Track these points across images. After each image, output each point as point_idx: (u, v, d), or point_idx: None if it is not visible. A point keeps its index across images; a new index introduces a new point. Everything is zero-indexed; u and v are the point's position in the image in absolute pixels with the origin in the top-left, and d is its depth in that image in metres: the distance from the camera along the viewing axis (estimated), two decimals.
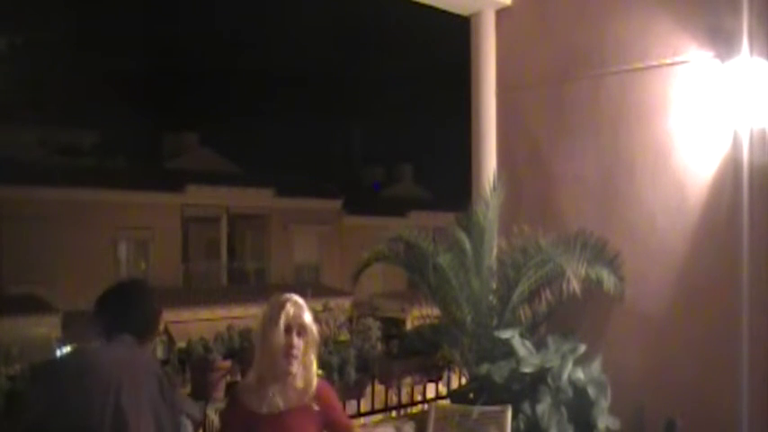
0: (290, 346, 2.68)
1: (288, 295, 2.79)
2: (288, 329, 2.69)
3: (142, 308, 2.74)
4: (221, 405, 3.42)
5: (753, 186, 3.95)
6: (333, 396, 2.92)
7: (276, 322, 2.68)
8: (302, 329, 2.71)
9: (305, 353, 2.72)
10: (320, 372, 2.99)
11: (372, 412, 4.52)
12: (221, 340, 3.82)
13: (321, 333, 4.07)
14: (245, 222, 24.42)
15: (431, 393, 4.89)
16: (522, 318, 4.39)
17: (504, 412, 3.89)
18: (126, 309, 2.69)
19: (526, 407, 3.94)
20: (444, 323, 4.55)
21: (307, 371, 2.75)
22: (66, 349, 13.68)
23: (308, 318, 2.74)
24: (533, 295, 4.39)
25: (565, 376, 3.99)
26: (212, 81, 28.05)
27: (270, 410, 2.70)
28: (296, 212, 24.33)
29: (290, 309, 2.71)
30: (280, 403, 2.71)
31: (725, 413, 3.98)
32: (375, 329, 4.37)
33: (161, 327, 2.85)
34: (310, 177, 25.58)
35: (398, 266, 4.77)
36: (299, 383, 2.73)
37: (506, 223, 4.54)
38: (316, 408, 2.76)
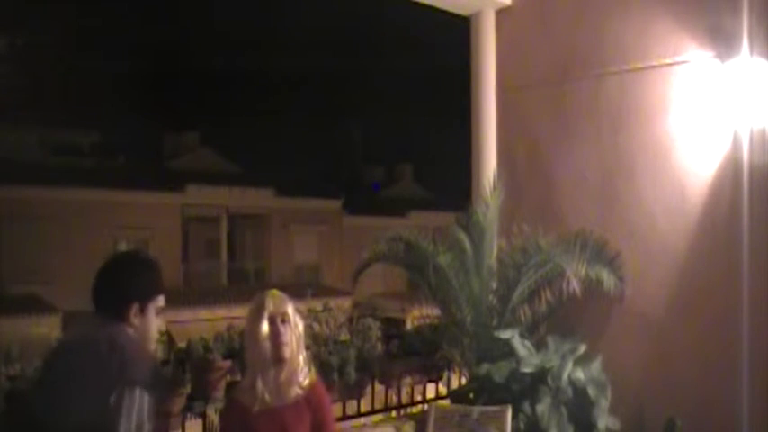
0: (276, 334, 2.80)
1: (264, 292, 2.91)
2: (272, 320, 2.80)
3: (105, 286, 2.50)
4: (221, 405, 3.44)
5: (753, 186, 3.95)
6: (326, 399, 2.95)
7: (260, 316, 2.81)
8: (286, 318, 2.83)
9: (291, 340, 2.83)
10: (313, 377, 3.02)
11: (372, 412, 4.52)
12: (221, 340, 3.82)
13: (321, 333, 4.10)
14: (245, 222, 24.42)
15: (431, 393, 4.89)
16: (522, 318, 4.39)
17: (504, 412, 3.89)
18: (95, 288, 2.50)
19: (526, 407, 3.94)
20: (444, 323, 4.55)
21: (294, 358, 2.83)
22: None
23: (289, 307, 2.86)
24: (533, 295, 4.39)
25: (565, 376, 3.99)
26: (212, 81, 28.05)
27: (263, 407, 2.76)
28: (296, 212, 24.34)
29: (269, 302, 2.84)
30: (273, 399, 2.77)
31: (725, 413, 3.98)
32: (375, 329, 4.36)
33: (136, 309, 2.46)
34: (310, 177, 25.59)
35: (398, 266, 4.77)
36: (289, 372, 2.79)
37: (506, 223, 4.54)
38: (307, 402, 2.81)
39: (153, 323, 2.52)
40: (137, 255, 2.73)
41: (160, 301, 2.55)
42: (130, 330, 2.44)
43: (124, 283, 2.51)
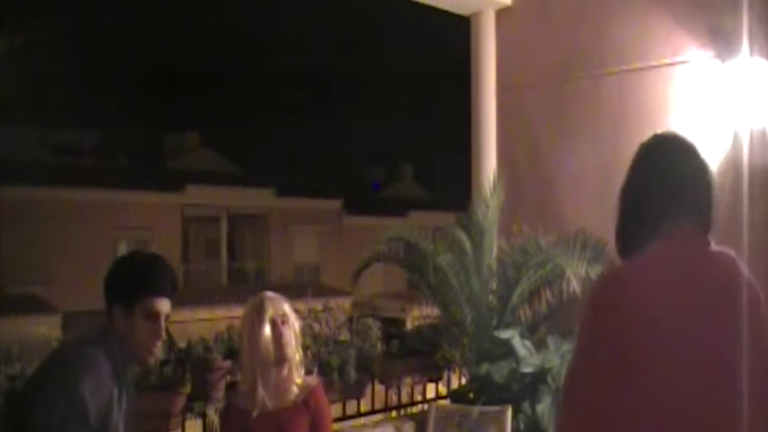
0: (279, 335, 2.81)
1: (262, 294, 2.90)
2: (273, 323, 2.81)
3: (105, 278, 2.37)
4: (221, 405, 3.44)
5: (753, 186, 3.94)
6: (325, 402, 2.96)
7: (261, 320, 2.81)
8: (285, 318, 2.85)
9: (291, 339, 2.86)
10: (314, 380, 3.02)
11: (372, 412, 4.52)
12: (221, 340, 3.82)
13: (321, 333, 4.10)
14: (245, 222, 24.43)
15: (431, 393, 4.89)
16: (522, 318, 4.39)
17: (504, 412, 3.89)
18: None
19: (526, 407, 3.94)
20: (444, 323, 4.55)
21: (293, 356, 2.87)
22: None
23: (287, 307, 2.88)
24: (533, 295, 4.39)
25: None
26: (213, 81, 28.05)
27: (263, 410, 2.75)
28: (296, 212, 24.34)
29: (268, 305, 2.85)
30: (273, 402, 2.77)
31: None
32: (375, 329, 4.36)
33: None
34: (310, 177, 25.59)
35: (398, 266, 4.77)
36: (288, 371, 2.80)
37: (506, 223, 4.54)
38: (305, 404, 2.82)
39: (142, 326, 2.31)
40: (132, 253, 2.52)
41: (154, 303, 2.33)
42: (115, 336, 2.30)
43: (108, 282, 2.36)
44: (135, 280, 2.35)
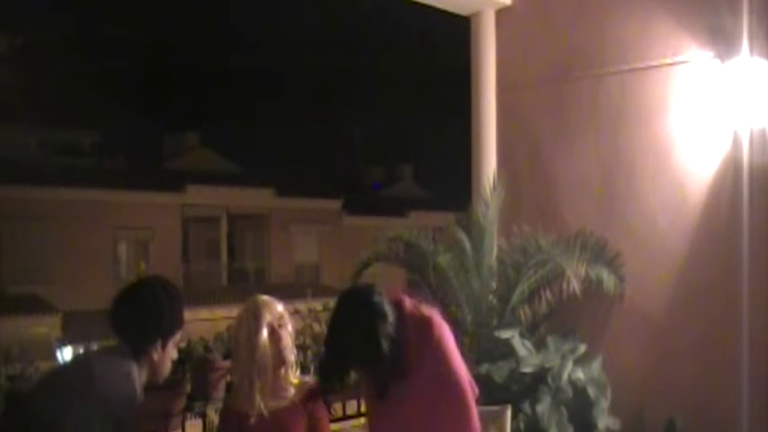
0: (278, 340, 2.79)
1: (257, 299, 2.86)
2: (271, 329, 2.79)
3: (128, 318, 2.33)
4: (221, 405, 3.44)
5: (753, 186, 3.95)
6: (321, 404, 2.95)
7: (259, 327, 2.77)
8: (282, 321, 2.83)
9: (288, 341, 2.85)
10: (310, 380, 3.02)
11: None
12: (221, 340, 3.82)
13: (321, 333, 4.10)
14: (245, 222, 24.43)
15: None
16: (522, 318, 4.38)
17: (503, 412, 3.88)
18: (117, 317, 2.34)
19: (526, 407, 3.94)
20: None
21: (289, 357, 2.86)
22: (67, 350, 13.74)
23: (282, 308, 2.86)
24: (533, 295, 4.39)
25: (565, 376, 3.99)
26: (212, 81, 28.03)
27: (261, 413, 2.75)
28: (296, 212, 24.34)
29: (265, 310, 2.82)
30: (270, 404, 2.76)
31: (725, 413, 3.98)
32: None
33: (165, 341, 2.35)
34: (310, 177, 25.59)
35: (398, 266, 4.77)
36: (285, 372, 2.81)
37: (506, 223, 4.54)
38: (302, 403, 2.82)
39: (170, 356, 2.41)
40: (163, 286, 2.44)
41: (179, 333, 2.45)
42: (143, 365, 2.32)
43: (151, 319, 2.35)
44: (176, 314, 2.43)
